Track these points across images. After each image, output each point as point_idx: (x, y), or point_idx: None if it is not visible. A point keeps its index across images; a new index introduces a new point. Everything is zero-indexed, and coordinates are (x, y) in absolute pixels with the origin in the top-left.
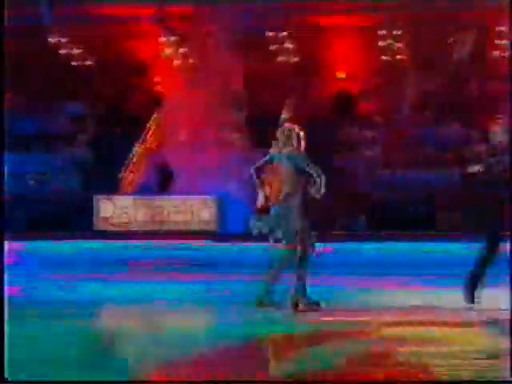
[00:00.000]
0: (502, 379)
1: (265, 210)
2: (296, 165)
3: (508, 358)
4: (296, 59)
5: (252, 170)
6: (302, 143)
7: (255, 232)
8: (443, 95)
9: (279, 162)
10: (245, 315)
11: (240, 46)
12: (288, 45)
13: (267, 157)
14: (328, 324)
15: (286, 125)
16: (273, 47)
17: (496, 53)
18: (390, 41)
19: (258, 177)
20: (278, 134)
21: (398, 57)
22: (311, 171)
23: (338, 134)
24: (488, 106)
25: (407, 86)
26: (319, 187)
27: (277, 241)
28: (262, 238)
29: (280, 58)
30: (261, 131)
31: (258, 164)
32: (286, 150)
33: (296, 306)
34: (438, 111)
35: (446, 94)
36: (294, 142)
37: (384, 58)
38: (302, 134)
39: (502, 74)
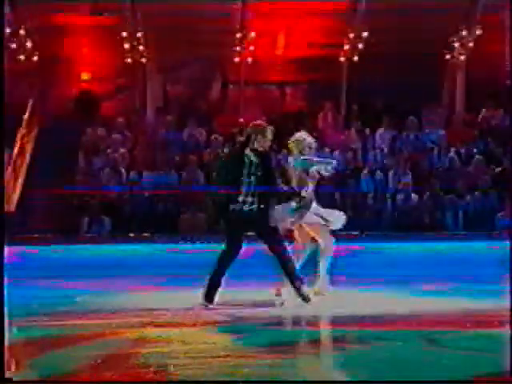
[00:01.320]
0: (502, 379)
1: None
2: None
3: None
4: (38, 58)
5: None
6: None
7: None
8: (186, 99)
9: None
10: None
11: None
12: (29, 43)
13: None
14: (67, 328)
15: (300, 134)
16: (13, 45)
17: (237, 58)
18: (134, 43)
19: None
20: (295, 144)
21: (143, 59)
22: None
23: (81, 135)
24: (231, 111)
25: (151, 88)
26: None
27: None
28: None
29: (22, 57)
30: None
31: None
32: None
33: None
34: (182, 114)
35: (189, 97)
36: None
37: (128, 60)
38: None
39: (243, 79)
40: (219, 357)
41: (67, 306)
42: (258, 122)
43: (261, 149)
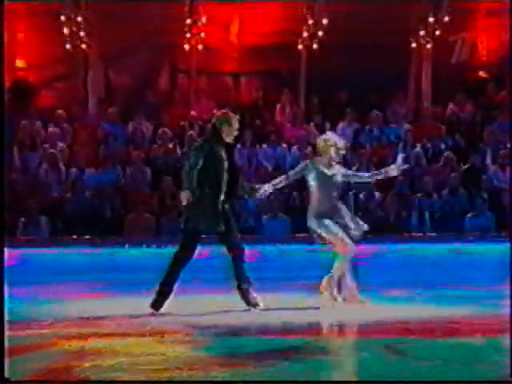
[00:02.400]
0: (501, 379)
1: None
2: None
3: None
4: None
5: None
6: None
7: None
8: (132, 89)
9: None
10: None
11: None
12: None
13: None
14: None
15: (331, 137)
16: None
17: (187, 45)
18: (73, 28)
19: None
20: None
21: (84, 46)
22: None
23: (15, 128)
24: (181, 102)
25: (93, 77)
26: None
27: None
28: None
29: None
30: None
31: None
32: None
33: None
34: (127, 106)
35: (134, 88)
36: None
37: (68, 46)
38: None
39: (194, 68)
40: (169, 369)
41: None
42: (223, 111)
43: (227, 139)
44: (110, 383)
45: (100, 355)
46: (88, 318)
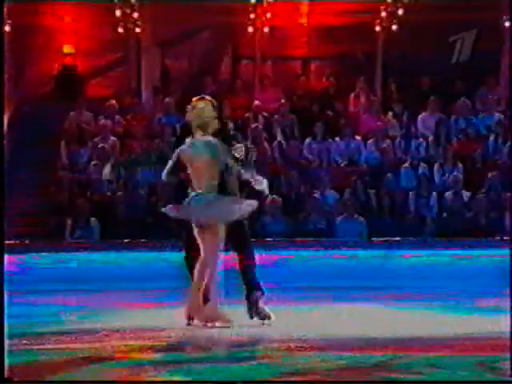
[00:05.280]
0: (501, 379)
1: None
2: None
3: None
4: (10, 28)
5: None
6: None
7: None
8: (190, 77)
9: None
10: None
11: None
12: None
13: None
14: (56, 352)
15: None
16: None
17: (251, 28)
18: (127, 9)
19: None
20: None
21: (137, 29)
22: None
23: (62, 121)
24: (244, 91)
25: (147, 64)
26: None
27: None
28: None
29: None
30: None
31: None
32: None
33: None
34: (184, 96)
35: (192, 75)
36: None
37: (120, 30)
38: None
39: (259, 52)
40: None
41: (55, 326)
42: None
43: None
44: (110, 383)
45: (163, 371)
46: (147, 329)
